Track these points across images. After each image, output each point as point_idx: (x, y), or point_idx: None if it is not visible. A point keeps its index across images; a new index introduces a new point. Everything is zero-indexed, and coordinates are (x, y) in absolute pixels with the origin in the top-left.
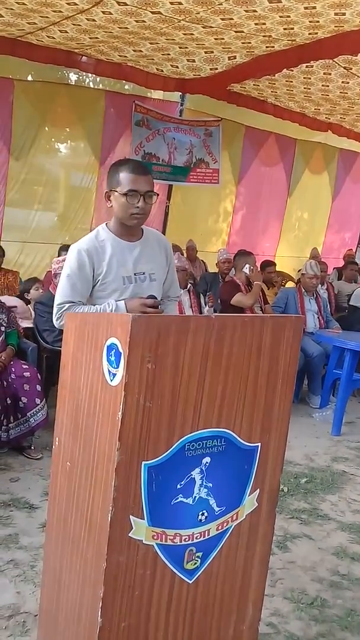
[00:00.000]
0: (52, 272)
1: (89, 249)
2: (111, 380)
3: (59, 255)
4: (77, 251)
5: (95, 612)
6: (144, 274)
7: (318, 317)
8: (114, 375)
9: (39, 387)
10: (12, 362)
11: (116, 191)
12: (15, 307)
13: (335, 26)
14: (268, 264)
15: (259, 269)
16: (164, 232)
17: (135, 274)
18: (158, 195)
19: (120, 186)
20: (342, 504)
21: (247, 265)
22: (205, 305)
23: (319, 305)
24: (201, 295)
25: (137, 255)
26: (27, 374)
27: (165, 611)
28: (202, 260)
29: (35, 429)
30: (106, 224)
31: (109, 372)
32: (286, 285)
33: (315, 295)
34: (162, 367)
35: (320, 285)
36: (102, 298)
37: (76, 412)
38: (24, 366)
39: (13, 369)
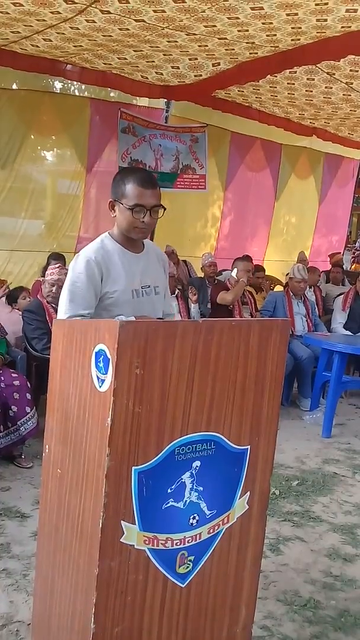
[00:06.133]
0: (49, 280)
1: (97, 258)
2: (100, 387)
3: (47, 263)
4: (86, 261)
5: (88, 619)
6: (149, 286)
7: (306, 320)
8: (103, 381)
9: (28, 396)
10: (1, 371)
11: (121, 203)
12: None
13: (317, 32)
14: (257, 269)
15: (250, 272)
16: (152, 239)
17: (142, 287)
18: (165, 208)
19: (126, 199)
20: (333, 505)
21: (235, 269)
22: (190, 301)
23: (307, 309)
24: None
25: (143, 267)
26: (16, 382)
27: (159, 615)
28: (184, 261)
29: (25, 437)
30: (109, 233)
31: (98, 378)
32: (274, 289)
33: (303, 299)
34: (151, 372)
35: (307, 289)
36: (109, 311)
37: (65, 419)
38: (14, 375)
39: (2, 378)
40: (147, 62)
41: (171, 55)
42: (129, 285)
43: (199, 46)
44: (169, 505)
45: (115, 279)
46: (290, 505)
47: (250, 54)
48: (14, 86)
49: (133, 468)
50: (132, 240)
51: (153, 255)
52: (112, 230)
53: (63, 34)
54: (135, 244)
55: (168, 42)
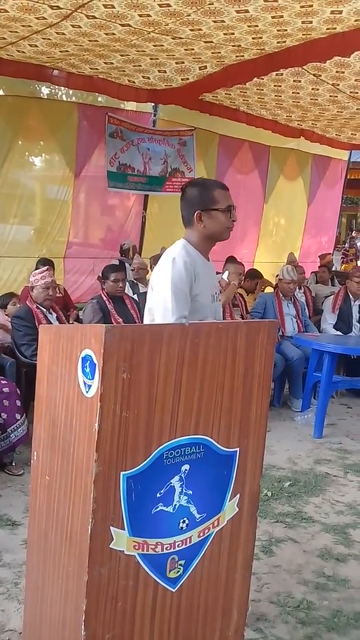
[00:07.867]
0: (30, 285)
1: (189, 261)
2: (87, 392)
3: (36, 269)
4: (184, 262)
5: (79, 626)
6: (216, 293)
7: (296, 321)
8: (90, 386)
9: (18, 403)
10: None
11: (214, 209)
12: None
13: (303, 34)
14: (254, 276)
15: (242, 275)
16: (141, 243)
17: (215, 293)
18: (235, 207)
19: (219, 203)
20: (325, 505)
21: (227, 272)
22: None
23: (297, 309)
24: None
25: (212, 275)
26: (6, 389)
27: (150, 621)
28: None
29: (16, 444)
30: (185, 240)
31: (85, 383)
32: (265, 291)
33: (293, 300)
34: (138, 377)
35: (297, 289)
36: (195, 312)
37: (53, 425)
38: (3, 382)
39: None
40: (133, 66)
41: (158, 59)
42: (208, 290)
43: (185, 50)
44: (158, 509)
45: (200, 282)
46: (282, 507)
47: (236, 57)
48: (1, 92)
49: (121, 473)
50: (207, 247)
51: (211, 265)
52: (186, 238)
53: (49, 39)
54: (207, 252)
55: (154, 46)
